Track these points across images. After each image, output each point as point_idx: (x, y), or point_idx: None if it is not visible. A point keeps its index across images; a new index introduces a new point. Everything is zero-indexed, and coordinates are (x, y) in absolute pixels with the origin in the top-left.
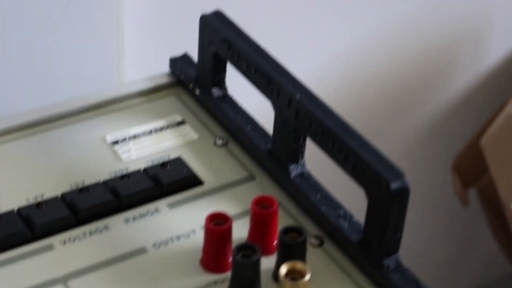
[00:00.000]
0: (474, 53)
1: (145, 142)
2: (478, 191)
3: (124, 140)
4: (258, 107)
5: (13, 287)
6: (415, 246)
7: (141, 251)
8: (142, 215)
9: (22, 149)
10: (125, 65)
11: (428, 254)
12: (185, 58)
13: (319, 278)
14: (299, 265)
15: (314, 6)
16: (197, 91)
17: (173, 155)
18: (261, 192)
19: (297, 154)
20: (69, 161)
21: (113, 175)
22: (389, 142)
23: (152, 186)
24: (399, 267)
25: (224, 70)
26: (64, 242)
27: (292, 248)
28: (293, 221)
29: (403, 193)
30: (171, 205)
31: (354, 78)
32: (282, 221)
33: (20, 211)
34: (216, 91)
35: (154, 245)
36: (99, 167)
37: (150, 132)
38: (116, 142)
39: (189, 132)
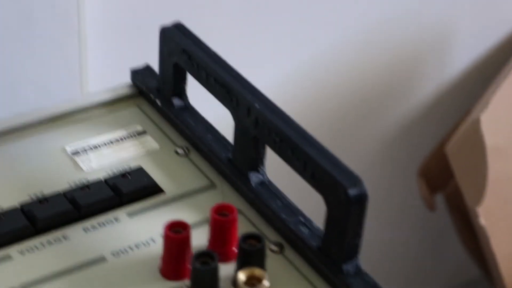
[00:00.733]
0: (440, 61)
1: (106, 152)
2: (445, 196)
3: (84, 150)
4: (224, 117)
5: None
6: (383, 251)
7: (100, 260)
8: (101, 224)
9: None
10: (87, 77)
11: (397, 259)
12: (146, 69)
13: (280, 284)
14: (257, 271)
15: (279, 15)
16: (158, 102)
17: (134, 165)
18: (222, 200)
19: (257, 162)
20: (29, 171)
21: (73, 186)
22: (356, 149)
23: (112, 195)
24: (358, 272)
25: (184, 81)
26: (22, 252)
27: (251, 254)
28: (254, 228)
29: (361, 199)
30: (131, 214)
31: (320, 86)
32: (243, 228)
33: None
34: (177, 101)
35: (113, 253)
36: (59, 178)
37: (111, 142)
38: (76, 153)
39: (150, 142)
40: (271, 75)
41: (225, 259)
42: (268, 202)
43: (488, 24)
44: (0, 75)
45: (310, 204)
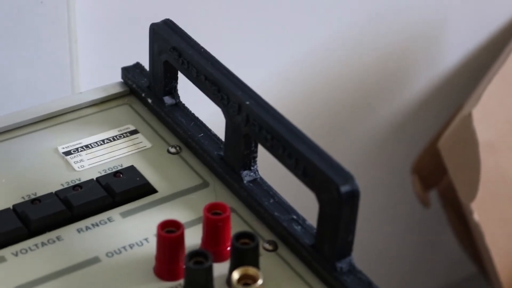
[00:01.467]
0: (431, 57)
1: (98, 152)
2: (439, 192)
3: (76, 150)
4: (217, 115)
5: None
6: (378, 248)
7: (95, 260)
8: (94, 225)
9: None
10: (78, 76)
11: (392, 256)
12: (137, 67)
13: (274, 282)
14: (251, 270)
15: (270, 12)
16: (150, 100)
17: (126, 164)
18: (215, 199)
19: (249, 160)
20: (21, 172)
21: (65, 186)
22: (348, 146)
23: (105, 195)
24: (352, 269)
25: (175, 79)
26: (16, 254)
27: (244, 253)
28: (247, 227)
29: (353, 196)
30: (124, 214)
31: (312, 84)
32: (236, 227)
33: None
34: (168, 100)
35: (107, 254)
36: (51, 178)
37: (103, 141)
38: (68, 153)
39: (142, 141)
40: (262, 72)
41: (219, 258)
42: (260, 200)
43: (478, 19)
44: None
45: (303, 201)
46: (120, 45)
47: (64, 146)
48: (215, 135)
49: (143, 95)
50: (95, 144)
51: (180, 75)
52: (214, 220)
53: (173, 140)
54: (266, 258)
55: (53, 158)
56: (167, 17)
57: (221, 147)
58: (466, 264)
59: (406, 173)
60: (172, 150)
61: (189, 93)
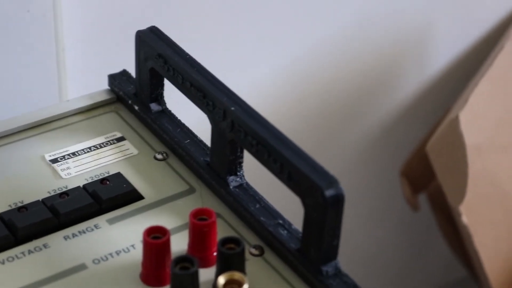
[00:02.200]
0: (419, 61)
1: (85, 159)
2: (428, 196)
3: (63, 157)
4: (203, 121)
5: None
6: (368, 251)
7: (81, 267)
8: (81, 232)
9: None
10: (66, 84)
11: (382, 260)
12: (123, 74)
13: (260, 287)
14: (237, 275)
15: (258, 16)
16: (136, 107)
17: (112, 171)
18: (201, 205)
19: (235, 166)
20: (7, 180)
21: (52, 193)
22: (337, 150)
23: (92, 202)
24: (338, 273)
25: (161, 85)
26: (3, 262)
27: (230, 258)
28: (234, 232)
29: (338, 200)
30: (111, 221)
31: (300, 88)
32: (223, 232)
33: None
34: (154, 106)
35: (94, 261)
36: (38, 186)
37: (90, 149)
38: (55, 160)
39: (129, 147)
40: (250, 77)
41: (206, 264)
42: (247, 205)
43: (466, 23)
44: None
45: (289, 206)
46: (107, 52)
47: (51, 153)
48: (201, 141)
49: (129, 102)
50: (82, 151)
51: (166, 82)
52: (200, 226)
53: (160, 147)
54: (252, 263)
55: (40, 166)
56: (154, 24)
57: (207, 153)
58: (457, 267)
59: (395, 176)
60: (159, 156)
61: (175, 100)
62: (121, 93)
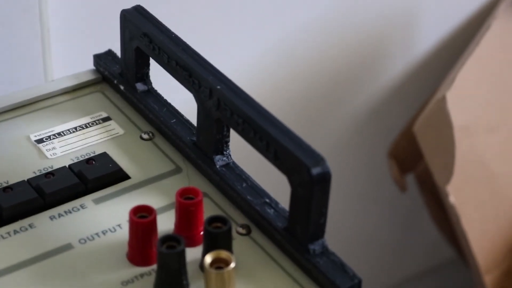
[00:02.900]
0: (405, 42)
1: (70, 139)
2: (415, 176)
3: (49, 138)
4: (189, 101)
5: None
6: (356, 231)
7: (68, 247)
8: (67, 212)
9: None
10: (51, 64)
11: (370, 240)
12: (109, 54)
13: (247, 266)
14: (223, 254)
15: None
16: (122, 87)
17: (98, 151)
18: (188, 184)
19: (221, 145)
20: None
21: (38, 173)
22: (325, 131)
23: (77, 182)
24: (325, 251)
25: (147, 65)
26: None
27: (217, 237)
28: (220, 211)
29: (324, 178)
30: (97, 201)
31: (287, 70)
32: (210, 212)
33: None
34: (140, 86)
35: (80, 241)
36: (23, 166)
37: (75, 129)
38: (40, 140)
39: (115, 127)
40: (237, 59)
41: (192, 243)
42: (233, 185)
43: (452, 4)
44: None
45: (276, 185)
46: (92, 32)
47: (36, 134)
48: (187, 121)
49: (115, 82)
50: (68, 131)
51: (152, 62)
52: (186, 205)
53: (146, 127)
54: (239, 242)
55: (25, 146)
56: (139, 3)
57: (194, 133)
58: (445, 247)
59: (383, 157)
60: (145, 136)
61: (161, 80)
62: (106, 73)
